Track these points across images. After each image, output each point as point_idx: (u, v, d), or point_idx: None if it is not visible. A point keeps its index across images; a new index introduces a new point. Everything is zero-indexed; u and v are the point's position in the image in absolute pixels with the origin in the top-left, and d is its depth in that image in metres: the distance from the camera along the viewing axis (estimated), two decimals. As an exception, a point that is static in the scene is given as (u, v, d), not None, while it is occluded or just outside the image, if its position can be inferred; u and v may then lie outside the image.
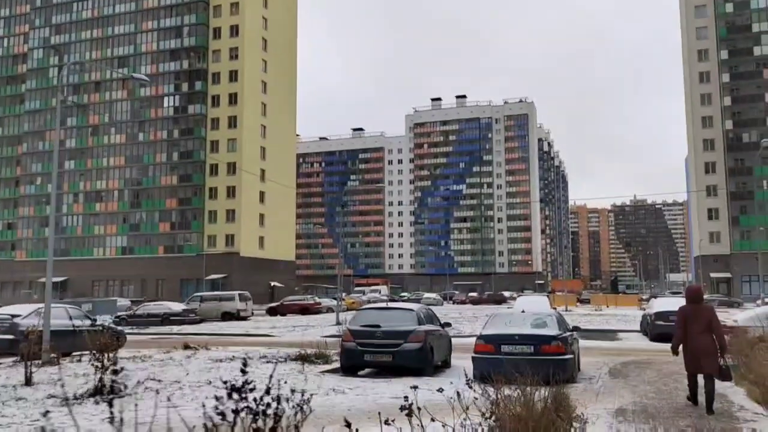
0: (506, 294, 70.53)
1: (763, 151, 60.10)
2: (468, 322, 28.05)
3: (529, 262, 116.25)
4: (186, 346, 15.18)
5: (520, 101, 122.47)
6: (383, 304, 12.66)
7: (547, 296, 25.74)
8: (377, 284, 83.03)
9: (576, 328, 11.52)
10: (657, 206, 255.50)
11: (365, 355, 10.40)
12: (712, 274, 68.10)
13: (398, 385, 9.04)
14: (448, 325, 13.04)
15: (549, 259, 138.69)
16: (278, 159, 72.18)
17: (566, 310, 41.03)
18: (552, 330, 9.77)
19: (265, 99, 71.31)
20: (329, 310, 41.50)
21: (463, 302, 67.41)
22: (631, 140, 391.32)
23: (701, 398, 7.57)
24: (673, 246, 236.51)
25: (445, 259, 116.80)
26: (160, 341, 19.93)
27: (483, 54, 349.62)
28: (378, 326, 10.53)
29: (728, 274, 67.01)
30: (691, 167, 74.89)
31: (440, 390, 4.50)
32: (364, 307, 13.16)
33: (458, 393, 4.28)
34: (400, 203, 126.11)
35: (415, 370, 10.25)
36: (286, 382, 5.44)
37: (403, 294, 75.17)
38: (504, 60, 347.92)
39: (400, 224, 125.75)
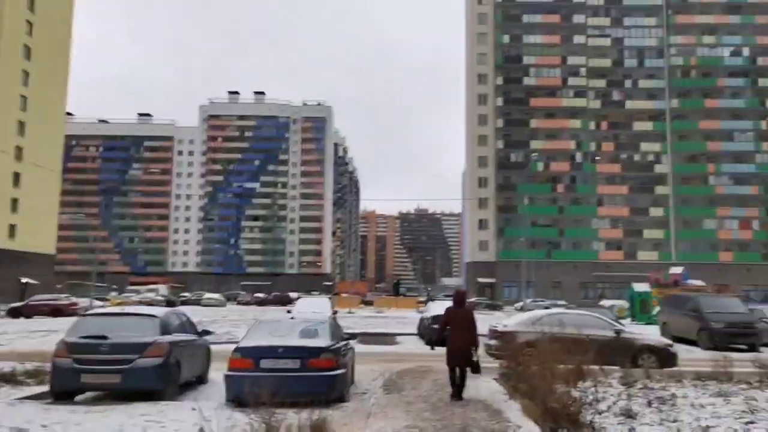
0: (293, 295, 69.41)
1: (528, 169, 67.25)
2: (247, 326, 25.83)
3: (319, 264, 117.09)
4: None
5: (319, 104, 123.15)
6: (119, 310, 10.23)
7: (329, 299, 24.79)
8: (155, 283, 76.31)
9: (352, 336, 10.36)
10: (437, 215, 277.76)
11: (83, 375, 8.02)
12: (480, 279, 74.39)
13: (119, 416, 6.92)
14: (207, 333, 11.10)
15: (338, 261, 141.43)
16: (42, 138, 62.57)
17: (350, 313, 41.03)
18: (323, 340, 8.42)
19: (28, 66, 61.42)
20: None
21: (248, 303, 64.80)
22: (420, 152, 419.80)
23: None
24: (449, 253, 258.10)
25: (234, 259, 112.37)
26: None
27: (284, 55, 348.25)
28: (104, 337, 8.22)
29: (493, 280, 73.78)
30: (467, 181, 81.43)
31: None
32: (88, 312, 10.59)
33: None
34: (188, 197, 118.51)
35: (152, 393, 8.15)
36: None
37: (184, 294, 70.01)
38: (305, 63, 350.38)
39: (188, 219, 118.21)
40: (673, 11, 74.82)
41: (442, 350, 9.06)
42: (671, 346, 13.83)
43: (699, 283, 45.27)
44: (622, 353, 13.12)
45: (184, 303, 56.45)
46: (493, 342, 13.67)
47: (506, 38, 76.43)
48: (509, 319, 15.58)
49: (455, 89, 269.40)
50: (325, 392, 7.81)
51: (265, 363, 7.86)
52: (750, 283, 67.89)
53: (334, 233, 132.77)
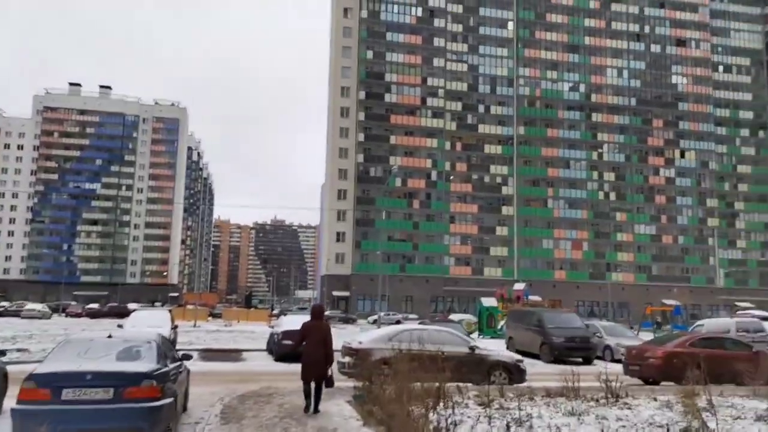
0: (133, 306, 63.97)
1: (386, 184, 68.13)
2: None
3: (165, 274, 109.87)
4: None
5: (173, 104, 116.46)
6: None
7: (169, 311, 22.56)
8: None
9: (186, 356, 8.93)
10: (293, 227, 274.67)
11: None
12: (335, 293, 73.93)
13: None
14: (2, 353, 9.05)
15: (187, 271, 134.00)
16: None
17: (195, 326, 38.29)
18: (146, 363, 6.95)
19: None
20: None
21: (78, 315, 58.58)
22: (280, 162, 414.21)
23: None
24: (304, 265, 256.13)
25: (66, 266, 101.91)
26: None
27: (140, 56, 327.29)
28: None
29: (348, 293, 73.68)
30: (327, 193, 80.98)
31: None
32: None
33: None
34: (15, 196, 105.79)
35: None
36: None
37: (1, 304, 61.57)
38: (159, 63, 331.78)
39: (12, 221, 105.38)
40: (523, 45, 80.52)
41: (291, 368, 8.05)
42: (521, 362, 13.90)
43: (537, 298, 48.42)
44: (476, 370, 12.93)
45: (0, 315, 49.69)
46: (346, 359, 12.83)
47: (370, 54, 77.47)
48: (364, 335, 14.87)
49: (320, 102, 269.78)
50: (145, 428, 6.42)
51: (67, 393, 6.27)
52: (579, 299, 74.33)
53: (183, 241, 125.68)
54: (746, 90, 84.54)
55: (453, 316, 55.35)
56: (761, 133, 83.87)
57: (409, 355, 10.51)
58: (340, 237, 76.26)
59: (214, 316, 58.61)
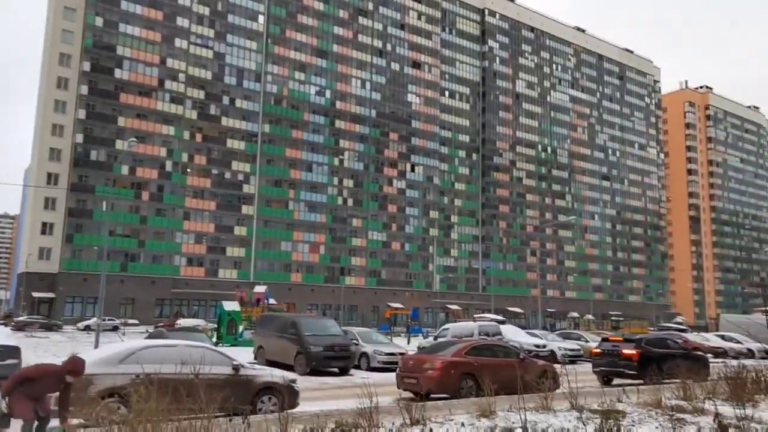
0: None
1: (111, 171, 59.49)
2: None
3: None
4: None
5: None
6: None
7: None
8: None
9: None
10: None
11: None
12: (36, 294, 62.33)
13: None
14: None
15: None
16: None
17: None
18: None
19: None
20: None
21: None
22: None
23: None
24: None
25: None
26: None
27: None
28: None
29: (53, 294, 62.59)
30: (32, 176, 67.99)
31: None
32: None
33: None
34: None
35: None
36: None
37: None
38: None
39: None
40: (272, 41, 78.36)
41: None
42: (294, 382, 11.20)
43: (272, 301, 46.25)
44: (242, 395, 9.90)
45: None
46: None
47: (99, 21, 67.24)
48: (92, 353, 10.60)
49: (33, 67, 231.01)
50: None
51: None
52: (313, 302, 74.64)
53: None
54: (465, 116, 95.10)
55: (182, 321, 50.30)
56: (474, 156, 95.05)
57: (150, 380, 7.74)
58: (46, 229, 64.46)
59: None
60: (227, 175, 73.64)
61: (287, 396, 10.78)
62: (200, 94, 72.50)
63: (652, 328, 62.85)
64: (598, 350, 18.11)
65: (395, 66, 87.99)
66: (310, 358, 19.27)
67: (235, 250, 72.96)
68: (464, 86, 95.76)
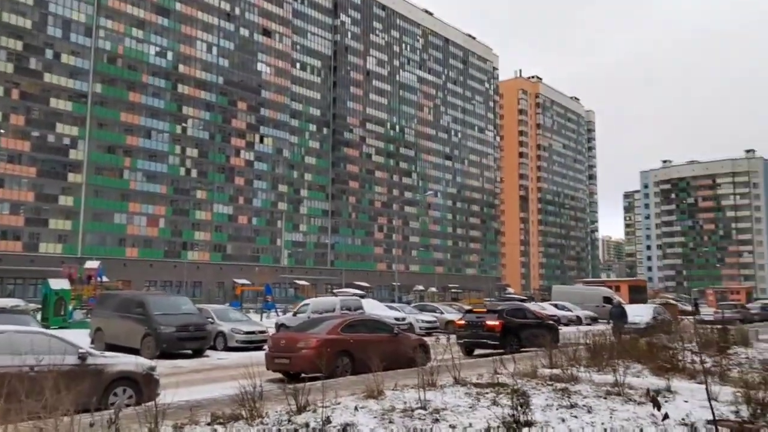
0: None
1: None
2: None
3: None
4: None
5: None
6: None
7: None
8: None
9: None
10: None
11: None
12: None
13: None
14: None
15: None
16: None
17: None
18: None
19: None
20: None
21: None
22: None
23: None
24: None
25: None
26: None
27: None
28: None
29: None
30: None
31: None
32: None
33: None
34: None
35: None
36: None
37: None
38: None
39: None
40: (106, -8, 70.65)
41: None
42: (154, 369, 9.72)
43: (105, 279, 42.18)
44: (91, 388, 8.29)
45: None
46: None
47: None
48: None
49: None
50: None
51: None
52: (152, 279, 69.71)
53: None
54: (316, 89, 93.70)
55: (-3, 302, 44.09)
56: (325, 130, 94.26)
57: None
58: None
59: None
60: (51, 138, 65.58)
61: (145, 386, 9.34)
62: (17, 45, 63.41)
63: (489, 299, 67.12)
64: (462, 322, 18.41)
65: (244, 32, 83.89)
66: (160, 339, 17.45)
67: (59, 223, 65.51)
68: (316, 59, 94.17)
